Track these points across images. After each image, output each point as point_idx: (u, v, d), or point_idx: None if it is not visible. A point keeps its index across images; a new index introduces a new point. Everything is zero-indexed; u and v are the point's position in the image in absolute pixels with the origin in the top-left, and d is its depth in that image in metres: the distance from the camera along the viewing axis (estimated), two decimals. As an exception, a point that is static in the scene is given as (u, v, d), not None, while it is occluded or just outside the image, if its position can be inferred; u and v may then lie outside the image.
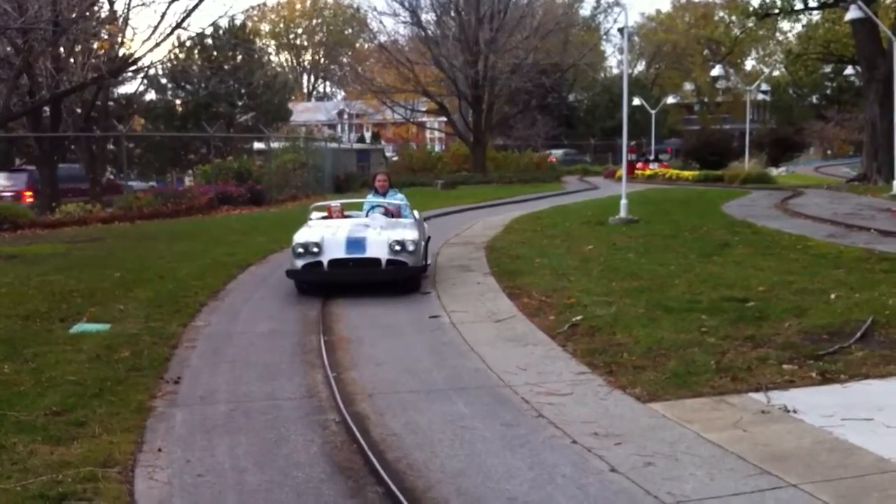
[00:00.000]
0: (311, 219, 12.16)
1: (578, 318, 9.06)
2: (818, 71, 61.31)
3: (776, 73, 67.70)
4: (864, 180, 34.06)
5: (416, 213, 12.72)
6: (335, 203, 12.82)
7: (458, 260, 14.25)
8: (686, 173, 40.21)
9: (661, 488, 4.79)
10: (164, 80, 43.43)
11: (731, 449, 5.35)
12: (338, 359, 7.80)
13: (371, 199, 12.64)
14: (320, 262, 10.89)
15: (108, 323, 9.30)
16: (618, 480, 4.95)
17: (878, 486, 4.75)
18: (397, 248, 10.93)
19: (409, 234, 11.29)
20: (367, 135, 68.40)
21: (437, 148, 59.89)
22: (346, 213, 12.54)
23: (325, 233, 11.21)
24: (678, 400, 6.39)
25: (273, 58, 77.95)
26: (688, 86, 75.34)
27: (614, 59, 77.70)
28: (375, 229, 11.35)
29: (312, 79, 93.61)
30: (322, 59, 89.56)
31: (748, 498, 4.65)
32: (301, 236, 11.23)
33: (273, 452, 5.55)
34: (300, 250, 10.96)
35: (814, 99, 74.41)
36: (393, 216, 12.07)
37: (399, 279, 11.10)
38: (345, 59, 66.70)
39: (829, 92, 71.66)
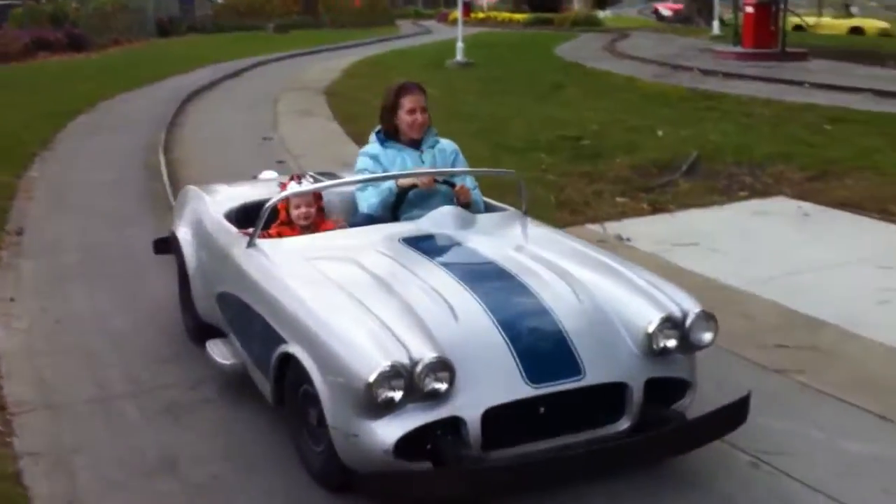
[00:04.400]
0: (248, 238, 4.11)
1: (424, 159, 9.25)
2: None
3: None
4: (686, 22, 35.28)
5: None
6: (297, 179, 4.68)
7: (298, 105, 14.08)
8: (517, 16, 40.46)
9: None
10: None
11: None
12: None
13: (389, 157, 4.64)
14: (460, 425, 3.05)
15: (-67, 176, 8.84)
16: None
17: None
18: (667, 341, 3.47)
19: (664, 284, 3.83)
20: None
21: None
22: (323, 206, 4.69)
23: (430, 311, 3.30)
24: (522, 233, 6.74)
25: None
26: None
27: None
28: (533, 261, 3.80)
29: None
30: None
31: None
32: (370, 346, 3.07)
33: (134, 296, 5.57)
34: (386, 393, 2.97)
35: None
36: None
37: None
38: None
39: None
